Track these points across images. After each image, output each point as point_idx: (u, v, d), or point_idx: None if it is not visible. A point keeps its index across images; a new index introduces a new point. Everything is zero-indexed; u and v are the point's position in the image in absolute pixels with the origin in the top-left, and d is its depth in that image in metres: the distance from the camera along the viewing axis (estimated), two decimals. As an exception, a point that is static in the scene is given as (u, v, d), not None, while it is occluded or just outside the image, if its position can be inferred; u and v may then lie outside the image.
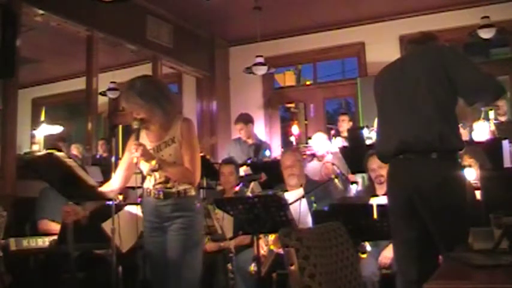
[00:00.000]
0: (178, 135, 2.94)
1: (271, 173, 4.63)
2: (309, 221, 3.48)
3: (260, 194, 4.07)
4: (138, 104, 2.85)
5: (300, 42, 7.69)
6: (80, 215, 3.03)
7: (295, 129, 6.25)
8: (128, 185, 3.42)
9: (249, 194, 4.24)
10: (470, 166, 3.71)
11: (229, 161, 4.76)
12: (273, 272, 3.76)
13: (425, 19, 6.74)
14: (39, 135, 8.06)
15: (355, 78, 7.44)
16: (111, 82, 7.73)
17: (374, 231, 3.06)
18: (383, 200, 3.07)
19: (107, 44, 6.28)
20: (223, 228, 3.76)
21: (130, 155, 2.92)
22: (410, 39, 2.83)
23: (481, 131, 4.74)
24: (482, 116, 5.02)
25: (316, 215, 3.37)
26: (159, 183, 2.95)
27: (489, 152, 3.97)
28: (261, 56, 6.58)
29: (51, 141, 7.35)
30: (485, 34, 6.02)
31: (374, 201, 3.44)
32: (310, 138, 6.23)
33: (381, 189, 3.85)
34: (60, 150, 3.14)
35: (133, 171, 3.16)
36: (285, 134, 7.95)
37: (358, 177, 4.99)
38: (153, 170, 2.94)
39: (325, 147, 5.37)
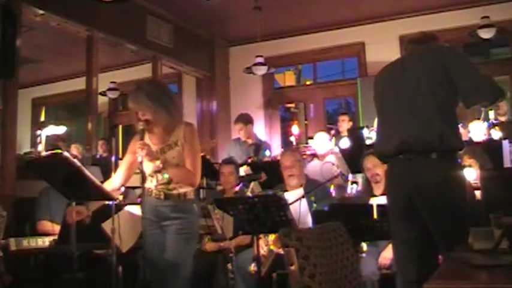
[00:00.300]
0: (181, 139, 3.03)
1: (271, 173, 4.63)
2: (309, 221, 3.48)
3: (260, 194, 4.07)
4: (145, 104, 2.94)
5: (300, 42, 7.68)
6: (84, 215, 3.06)
7: (295, 129, 6.24)
8: (128, 184, 3.43)
9: (249, 194, 4.24)
10: (470, 166, 3.71)
11: (229, 161, 4.76)
12: (273, 272, 3.76)
13: (425, 19, 6.74)
14: (43, 135, 8.06)
15: (355, 78, 7.44)
16: (111, 82, 7.72)
17: (374, 231, 3.07)
18: (383, 200, 3.07)
19: (107, 44, 6.28)
20: (223, 228, 3.77)
21: (135, 155, 2.98)
22: (411, 39, 2.83)
23: (478, 131, 4.75)
24: (482, 116, 5.03)
25: (316, 215, 3.37)
26: (161, 184, 3.03)
27: (489, 152, 3.97)
28: (261, 56, 6.58)
29: (50, 142, 7.34)
30: (485, 34, 6.01)
31: (374, 201, 3.44)
32: (310, 138, 6.23)
33: (378, 188, 3.86)
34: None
35: (134, 171, 3.20)
36: (285, 134, 7.95)
37: (358, 177, 4.99)
38: (157, 171, 3.01)
39: (328, 147, 5.37)
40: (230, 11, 6.82)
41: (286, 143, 7.63)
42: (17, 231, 3.77)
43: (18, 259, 3.62)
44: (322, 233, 1.85)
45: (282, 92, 8.41)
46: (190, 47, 7.40)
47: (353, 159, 4.47)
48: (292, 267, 1.63)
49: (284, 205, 3.22)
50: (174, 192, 3.02)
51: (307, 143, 6.42)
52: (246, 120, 5.90)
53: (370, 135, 5.01)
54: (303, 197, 3.52)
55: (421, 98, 2.48)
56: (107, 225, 3.24)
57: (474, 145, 4.33)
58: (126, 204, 3.56)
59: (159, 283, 3.07)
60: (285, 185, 4.15)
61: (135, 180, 3.38)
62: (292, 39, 7.71)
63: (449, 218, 2.37)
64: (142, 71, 7.29)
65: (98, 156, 6.03)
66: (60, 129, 8.37)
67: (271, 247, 3.75)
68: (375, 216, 3.02)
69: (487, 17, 6.02)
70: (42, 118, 9.65)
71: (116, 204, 3.15)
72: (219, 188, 5.01)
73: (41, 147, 6.83)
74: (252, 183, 4.47)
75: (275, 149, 7.01)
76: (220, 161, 5.25)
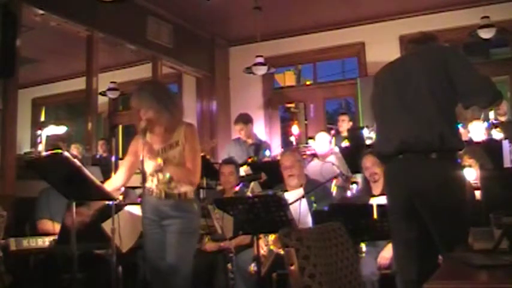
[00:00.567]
0: (182, 139, 3.07)
1: (271, 173, 4.63)
2: (309, 221, 3.48)
3: (260, 194, 4.07)
4: (148, 103, 3.00)
5: (300, 42, 7.68)
6: (84, 215, 3.07)
7: (295, 129, 6.25)
8: (128, 184, 3.44)
9: (249, 194, 4.24)
10: (470, 166, 3.72)
11: (229, 161, 4.76)
12: (273, 272, 3.76)
13: (425, 19, 6.73)
14: (44, 135, 8.08)
15: (355, 78, 7.45)
16: (111, 82, 7.72)
17: (374, 231, 3.07)
18: (383, 200, 3.07)
19: (107, 44, 6.28)
20: (223, 228, 3.77)
21: (136, 155, 3.05)
22: (411, 38, 2.83)
23: (478, 131, 4.75)
24: (482, 116, 5.03)
25: (316, 215, 3.37)
26: (162, 183, 3.06)
27: (489, 152, 3.98)
28: (261, 56, 6.58)
29: (50, 142, 7.35)
30: (485, 34, 6.01)
31: (374, 201, 3.44)
32: (310, 138, 6.23)
33: (377, 187, 3.86)
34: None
35: (135, 171, 3.21)
36: (285, 134, 7.95)
37: (358, 177, 4.99)
38: (158, 171, 3.05)
39: (328, 147, 5.37)
40: (230, 11, 6.82)
41: (286, 143, 7.63)
42: (17, 231, 3.77)
43: (18, 259, 3.62)
44: (322, 233, 1.85)
45: (282, 92, 8.41)
46: (190, 47, 7.40)
47: (353, 159, 4.47)
48: (292, 267, 1.63)
49: (284, 205, 3.22)
50: (175, 191, 3.05)
51: (307, 143, 6.42)
52: (246, 120, 5.90)
53: (370, 135, 5.02)
54: (303, 197, 3.52)
55: (421, 98, 2.48)
56: (107, 225, 3.24)
57: (474, 145, 4.33)
58: (126, 204, 3.56)
59: (159, 283, 3.08)
60: (285, 185, 4.15)
61: (135, 180, 3.39)
62: (292, 39, 7.71)
63: (449, 218, 2.37)
64: (142, 71, 7.29)
65: (98, 156, 6.03)
66: (60, 129, 8.38)
67: (271, 247, 3.75)
68: (375, 216, 3.02)
69: (487, 17, 6.02)
70: (42, 118, 9.65)
71: (116, 204, 3.15)
72: (219, 188, 5.01)
73: (41, 147, 6.84)
74: (252, 183, 4.48)
75: (275, 149, 7.01)
76: (220, 161, 5.25)
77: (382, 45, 6.96)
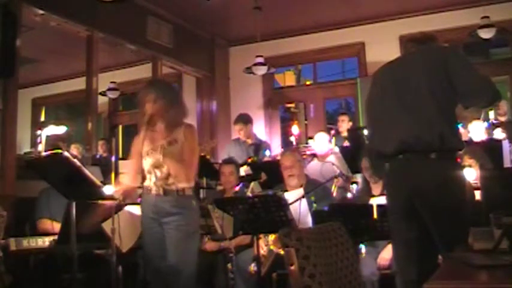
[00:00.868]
0: (181, 138, 3.15)
1: (271, 173, 4.63)
2: (309, 221, 3.48)
3: (260, 194, 4.07)
4: (157, 95, 3.12)
5: (300, 42, 7.68)
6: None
7: (295, 129, 6.25)
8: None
9: (249, 194, 4.24)
10: (470, 166, 3.71)
11: (229, 161, 4.76)
12: (273, 272, 3.76)
13: (425, 19, 6.73)
14: (44, 135, 8.07)
15: (355, 78, 7.44)
16: (111, 82, 7.72)
17: (374, 231, 3.06)
18: (382, 200, 3.07)
19: (107, 44, 6.28)
20: (223, 228, 3.77)
21: (141, 152, 3.16)
22: (411, 37, 2.82)
23: (478, 131, 4.75)
24: (482, 116, 5.03)
25: (316, 215, 3.37)
26: (160, 180, 3.10)
27: (489, 152, 3.98)
28: (261, 56, 6.58)
29: (50, 142, 7.34)
30: (485, 34, 6.01)
31: (374, 202, 3.44)
32: (310, 138, 6.23)
33: (376, 188, 3.86)
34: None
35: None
36: (285, 134, 7.95)
37: (358, 177, 4.99)
38: (155, 167, 3.09)
39: (328, 147, 5.36)
40: (230, 11, 6.82)
41: (286, 143, 7.63)
42: (17, 231, 3.77)
43: (18, 259, 3.62)
44: (322, 233, 1.85)
45: (282, 92, 8.41)
46: (190, 47, 7.40)
47: (353, 159, 4.47)
48: (292, 267, 1.63)
49: (284, 205, 3.22)
50: (173, 187, 3.09)
51: (307, 143, 6.42)
52: (246, 120, 5.90)
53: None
54: (303, 197, 3.52)
55: (421, 98, 2.48)
56: (107, 225, 3.24)
57: (474, 145, 4.34)
58: (126, 204, 3.56)
59: (159, 283, 3.08)
60: (285, 185, 4.15)
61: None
62: (292, 39, 7.71)
63: (449, 218, 2.37)
64: (143, 71, 7.29)
65: (98, 156, 6.03)
66: (60, 129, 8.37)
67: (271, 247, 3.75)
68: (375, 216, 3.01)
69: (487, 17, 6.02)
70: (42, 118, 9.64)
71: (116, 204, 3.15)
72: (219, 188, 5.01)
73: (41, 147, 6.83)
74: (252, 183, 4.48)
75: (275, 149, 7.01)
76: (220, 161, 5.25)
77: (382, 45, 6.95)
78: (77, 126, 8.90)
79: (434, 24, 6.26)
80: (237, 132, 5.99)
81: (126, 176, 3.30)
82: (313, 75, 8.30)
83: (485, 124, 4.96)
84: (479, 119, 4.92)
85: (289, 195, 3.53)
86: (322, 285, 1.63)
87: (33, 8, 5.13)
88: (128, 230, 3.34)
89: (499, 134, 4.62)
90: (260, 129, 7.56)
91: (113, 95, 7.84)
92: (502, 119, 5.39)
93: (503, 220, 1.77)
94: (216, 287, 4.21)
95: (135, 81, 7.79)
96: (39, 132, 7.50)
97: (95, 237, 3.33)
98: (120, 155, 3.26)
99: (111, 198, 3.07)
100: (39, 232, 3.80)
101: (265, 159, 5.55)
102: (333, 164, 4.90)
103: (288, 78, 9.33)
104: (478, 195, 3.00)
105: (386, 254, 3.61)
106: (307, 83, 8.57)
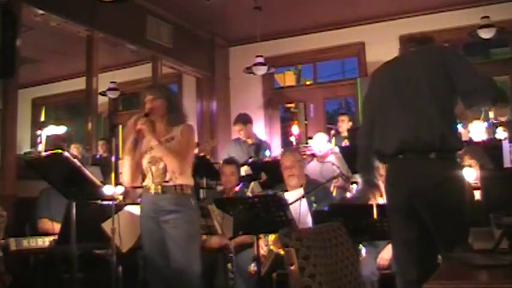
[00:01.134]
0: (178, 135, 3.16)
1: (271, 173, 4.63)
2: (309, 221, 3.48)
3: (260, 194, 4.07)
4: (161, 94, 3.19)
5: (300, 42, 7.68)
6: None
7: (295, 129, 6.24)
8: (128, 184, 3.43)
9: (249, 194, 4.24)
10: (470, 166, 3.71)
11: (230, 161, 4.75)
12: (273, 272, 3.76)
13: (425, 19, 6.73)
14: (44, 135, 8.08)
15: (355, 78, 7.44)
16: (111, 82, 7.72)
17: (374, 231, 3.06)
18: (382, 200, 3.07)
19: (107, 44, 6.28)
20: (223, 228, 3.76)
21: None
22: (410, 37, 2.82)
23: (478, 131, 4.75)
24: (482, 116, 5.03)
25: (316, 215, 3.37)
26: (157, 177, 3.10)
27: (489, 152, 3.98)
28: (261, 56, 6.58)
29: (50, 142, 7.34)
30: (485, 34, 6.01)
31: (374, 202, 3.43)
32: (310, 138, 6.22)
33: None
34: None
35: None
36: (285, 134, 7.94)
37: (358, 177, 4.98)
38: (151, 162, 3.11)
39: (327, 147, 5.36)
40: (230, 11, 6.82)
41: (286, 143, 7.62)
42: (17, 231, 3.77)
43: (18, 259, 3.62)
44: (322, 233, 1.85)
45: (282, 92, 8.41)
46: (190, 47, 7.40)
47: (353, 159, 4.46)
48: (292, 267, 1.63)
49: (284, 205, 3.22)
50: (171, 183, 3.08)
51: (307, 143, 6.42)
52: (245, 120, 5.89)
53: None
54: (303, 197, 3.52)
55: (421, 97, 2.48)
56: (107, 225, 3.24)
57: (474, 145, 4.33)
58: (126, 204, 3.56)
59: (159, 283, 3.08)
60: (285, 185, 4.15)
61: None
62: (292, 39, 7.70)
63: (448, 218, 2.37)
64: (143, 71, 7.29)
65: (98, 156, 6.03)
66: (60, 129, 8.37)
67: (271, 247, 3.75)
68: (375, 216, 3.01)
69: (487, 17, 6.02)
70: (42, 118, 9.64)
71: (116, 204, 3.15)
72: (220, 188, 5.01)
73: (41, 147, 6.83)
74: (252, 183, 4.48)
75: (275, 149, 7.01)
76: (220, 161, 5.25)
77: (382, 45, 6.95)
78: (77, 126, 8.91)
79: (434, 24, 6.27)
80: (236, 132, 5.99)
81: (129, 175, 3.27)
82: (313, 75, 8.30)
83: (486, 124, 4.95)
84: (479, 118, 4.92)
85: (289, 195, 3.52)
86: (322, 285, 1.63)
87: (33, 8, 5.13)
88: (127, 230, 3.34)
89: (501, 133, 4.61)
90: (260, 129, 7.56)
91: (113, 95, 7.85)
92: (502, 119, 5.38)
93: (503, 220, 1.77)
94: (216, 287, 4.20)
95: (135, 81, 7.80)
96: (39, 132, 7.51)
97: (95, 237, 3.33)
98: (120, 155, 3.27)
99: (110, 198, 3.07)
100: (39, 232, 3.80)
101: (265, 159, 5.55)
102: (333, 164, 4.90)
103: (288, 78, 9.33)
104: (478, 195, 3.00)
105: (386, 254, 3.61)
106: (307, 83, 8.57)
